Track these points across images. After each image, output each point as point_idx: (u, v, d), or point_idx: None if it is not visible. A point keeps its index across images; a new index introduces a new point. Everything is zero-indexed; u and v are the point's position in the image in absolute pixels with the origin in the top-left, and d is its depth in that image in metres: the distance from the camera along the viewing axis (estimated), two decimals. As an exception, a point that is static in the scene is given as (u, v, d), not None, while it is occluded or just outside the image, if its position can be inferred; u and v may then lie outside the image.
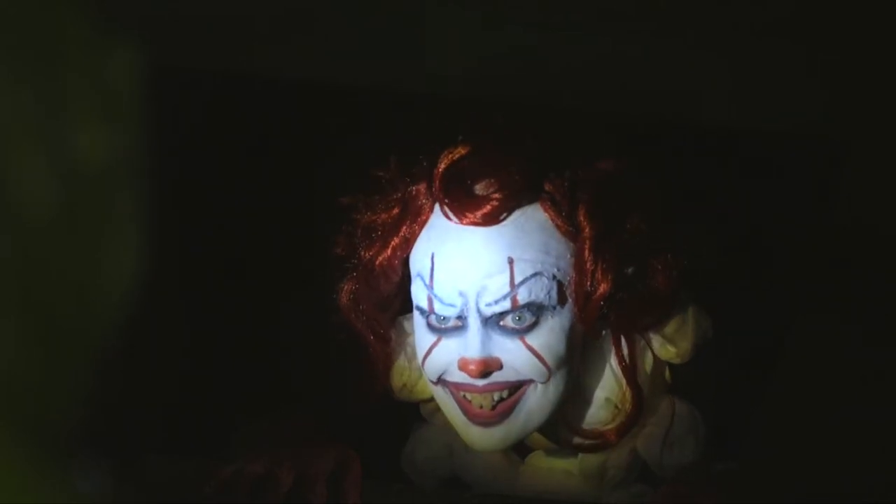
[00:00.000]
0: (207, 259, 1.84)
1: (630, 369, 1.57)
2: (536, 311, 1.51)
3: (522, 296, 1.50)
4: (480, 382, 1.51)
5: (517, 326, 1.51)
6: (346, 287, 1.60)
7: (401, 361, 1.64)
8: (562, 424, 1.60)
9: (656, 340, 1.60)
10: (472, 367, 1.49)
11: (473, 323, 1.50)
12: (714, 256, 1.63)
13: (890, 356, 1.45)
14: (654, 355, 1.61)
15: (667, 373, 1.63)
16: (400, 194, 1.57)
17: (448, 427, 1.66)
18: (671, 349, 1.60)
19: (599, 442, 1.59)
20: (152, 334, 1.48)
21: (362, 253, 1.59)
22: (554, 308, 1.52)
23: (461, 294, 1.51)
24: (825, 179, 1.56)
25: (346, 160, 1.72)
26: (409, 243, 1.57)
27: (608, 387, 1.59)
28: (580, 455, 1.63)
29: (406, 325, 1.63)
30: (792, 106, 1.37)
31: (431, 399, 1.65)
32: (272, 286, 1.86)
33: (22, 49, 0.55)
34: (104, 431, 0.62)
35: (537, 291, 1.51)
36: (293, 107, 1.85)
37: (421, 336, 1.55)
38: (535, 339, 1.51)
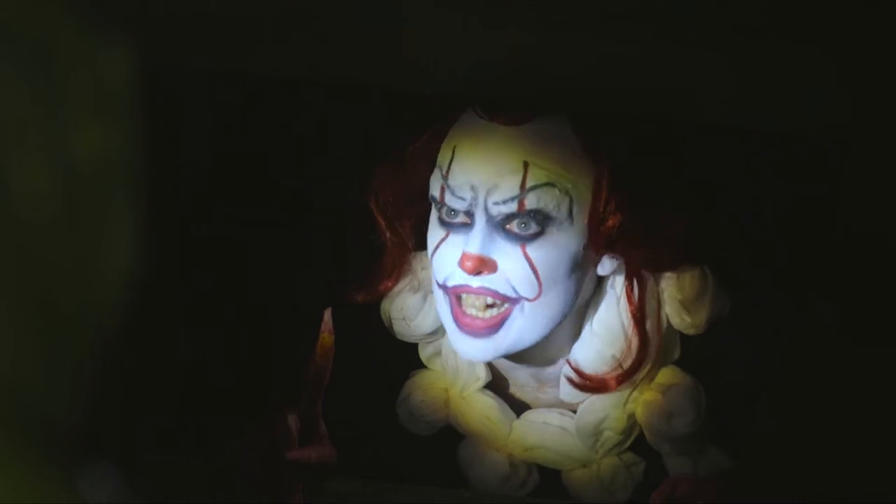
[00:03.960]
0: (207, 258, 1.84)
1: (640, 312, 1.58)
2: (542, 220, 1.53)
3: (530, 201, 1.52)
4: (475, 283, 1.53)
5: (521, 233, 1.53)
6: (379, 171, 1.64)
7: (404, 293, 1.67)
8: (565, 364, 1.62)
9: (674, 307, 1.61)
10: (468, 263, 1.53)
11: (480, 220, 1.54)
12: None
13: (892, 356, 1.45)
14: (669, 323, 1.62)
15: (677, 343, 1.64)
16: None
17: (445, 373, 1.68)
18: (687, 318, 1.62)
19: (599, 385, 1.61)
20: (152, 333, 1.48)
21: (398, 143, 1.63)
22: (561, 223, 1.53)
23: (472, 188, 1.54)
24: (826, 180, 1.56)
25: (346, 160, 1.72)
26: (440, 137, 1.60)
27: (616, 343, 1.60)
28: (578, 412, 1.64)
29: (424, 259, 1.66)
30: (792, 106, 1.37)
31: (428, 337, 1.67)
32: (272, 285, 1.86)
33: (20, 48, 0.55)
34: (104, 431, 0.62)
35: (546, 201, 1.52)
36: (293, 107, 1.85)
37: (432, 231, 1.59)
38: (534, 250, 1.53)
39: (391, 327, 1.70)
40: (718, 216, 1.70)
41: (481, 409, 1.69)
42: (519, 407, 1.70)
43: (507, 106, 1.53)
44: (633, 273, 1.60)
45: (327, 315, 1.44)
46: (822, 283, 1.49)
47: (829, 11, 1.30)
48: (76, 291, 0.57)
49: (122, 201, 0.59)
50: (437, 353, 1.71)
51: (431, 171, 1.61)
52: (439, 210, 1.58)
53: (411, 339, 1.71)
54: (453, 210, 1.56)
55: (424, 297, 1.67)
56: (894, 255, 1.43)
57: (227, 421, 1.48)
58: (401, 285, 1.69)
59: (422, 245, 1.67)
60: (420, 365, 1.73)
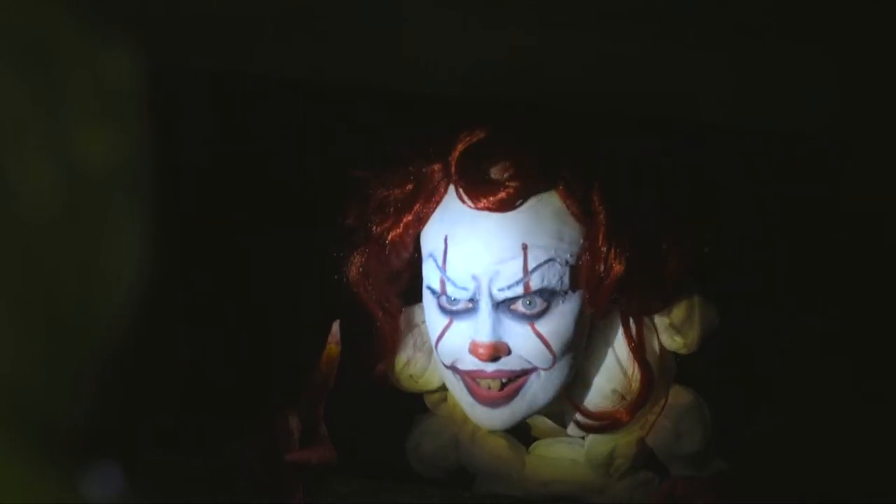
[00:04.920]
0: (207, 258, 1.84)
1: (639, 348, 1.58)
2: (548, 296, 1.51)
3: (535, 282, 1.51)
4: (490, 368, 1.51)
5: (528, 312, 1.51)
6: (356, 260, 1.60)
7: (407, 351, 1.65)
8: (570, 408, 1.61)
9: (664, 330, 1.61)
10: (481, 351, 1.50)
11: (485, 306, 1.51)
12: (719, 247, 1.63)
13: (892, 354, 1.45)
14: (662, 345, 1.61)
15: (674, 364, 1.64)
16: (414, 170, 1.57)
17: (453, 418, 1.67)
18: (678, 339, 1.61)
19: (610, 422, 1.60)
20: (152, 333, 1.48)
21: (374, 227, 1.59)
22: (565, 293, 1.52)
23: (474, 278, 1.51)
24: (826, 180, 1.56)
25: (345, 160, 1.72)
26: (422, 221, 1.57)
27: (615, 378, 1.60)
28: (587, 444, 1.64)
29: (418, 313, 1.63)
30: (792, 106, 1.37)
31: (436, 390, 1.66)
32: (272, 285, 1.86)
33: (20, 48, 0.55)
34: (104, 431, 0.62)
35: (550, 277, 1.51)
36: (293, 107, 1.85)
37: (432, 318, 1.56)
38: (544, 325, 1.52)
39: (398, 383, 1.67)
40: (718, 217, 1.70)
41: (492, 450, 1.67)
42: (525, 437, 1.69)
43: (489, 193, 1.50)
44: (629, 314, 1.59)
45: (335, 327, 1.43)
46: (822, 283, 1.49)
47: (829, 11, 1.30)
48: (77, 292, 0.57)
49: (123, 201, 0.59)
50: (443, 400, 1.69)
51: (411, 252, 1.58)
52: (438, 298, 1.55)
53: (418, 392, 1.69)
54: (455, 299, 1.53)
55: (429, 355, 1.64)
56: (894, 255, 1.43)
57: (227, 421, 1.48)
58: (401, 354, 1.66)
59: (411, 300, 1.64)
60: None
